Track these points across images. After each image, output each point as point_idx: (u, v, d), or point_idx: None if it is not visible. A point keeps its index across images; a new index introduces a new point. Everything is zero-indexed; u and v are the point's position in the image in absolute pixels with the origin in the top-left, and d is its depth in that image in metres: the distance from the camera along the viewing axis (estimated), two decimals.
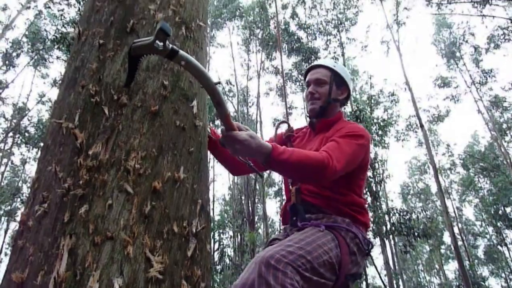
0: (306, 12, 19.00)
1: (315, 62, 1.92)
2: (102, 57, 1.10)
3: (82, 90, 1.06)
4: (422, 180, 32.24)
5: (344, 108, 1.85)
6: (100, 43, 1.13)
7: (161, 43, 0.98)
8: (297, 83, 20.30)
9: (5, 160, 23.71)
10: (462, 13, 17.03)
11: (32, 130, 22.89)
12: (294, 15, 18.64)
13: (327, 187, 1.60)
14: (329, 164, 1.38)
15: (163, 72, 1.11)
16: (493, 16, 15.76)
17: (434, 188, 30.06)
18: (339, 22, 18.68)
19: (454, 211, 28.09)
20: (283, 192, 1.83)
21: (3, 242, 23.71)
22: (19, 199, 27.37)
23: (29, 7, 16.90)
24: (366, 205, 1.71)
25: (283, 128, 2.01)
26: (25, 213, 0.96)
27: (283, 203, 1.79)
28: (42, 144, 1.10)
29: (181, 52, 1.02)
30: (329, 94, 1.77)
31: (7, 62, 21.47)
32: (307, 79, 1.85)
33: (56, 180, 0.93)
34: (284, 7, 19.14)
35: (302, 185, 1.65)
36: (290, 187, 1.70)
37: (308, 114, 1.86)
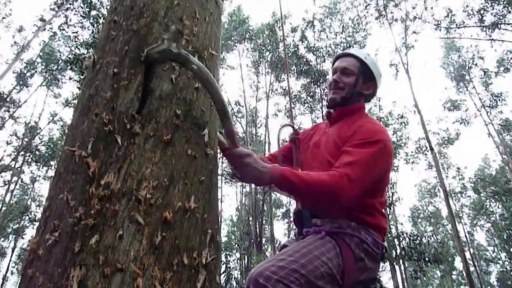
0: (315, 35, 19.27)
1: (346, 50, 1.76)
2: (116, 86, 1.12)
3: (95, 118, 1.07)
4: (432, 203, 31.78)
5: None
6: (114, 72, 1.15)
7: (175, 50, 1.04)
8: (306, 105, 20.38)
9: (15, 178, 23.94)
10: (471, 37, 17.12)
11: (43, 148, 23.18)
12: (303, 38, 18.91)
13: None
14: (344, 187, 1.28)
15: (176, 101, 1.12)
16: (502, 41, 15.81)
17: (444, 212, 29.60)
18: (348, 45, 18.86)
19: (466, 236, 27.51)
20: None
21: (10, 260, 23.70)
22: (27, 217, 27.46)
23: (44, 29, 17.39)
24: (383, 207, 1.56)
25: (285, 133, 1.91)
26: (36, 241, 0.96)
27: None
28: (54, 170, 1.11)
29: (192, 58, 1.10)
30: (354, 85, 1.65)
31: (21, 82, 21.95)
32: (334, 66, 1.73)
33: (67, 209, 0.94)
34: (294, 30, 19.43)
35: None
36: None
37: (327, 104, 1.73)
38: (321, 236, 1.35)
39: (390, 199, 14.43)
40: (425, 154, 20.34)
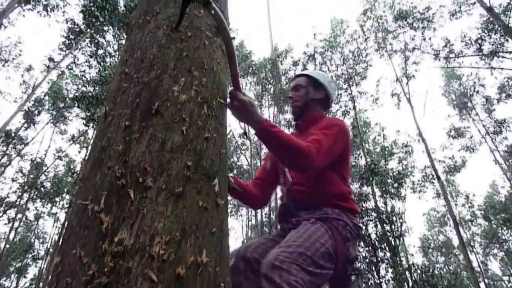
0: (317, 68, 19.61)
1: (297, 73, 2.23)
2: (128, 138, 1.14)
3: (108, 172, 1.09)
4: (442, 232, 31.15)
5: (328, 112, 2.12)
6: (126, 125, 1.18)
7: None
8: None
9: (19, 216, 23.87)
10: (471, 66, 17.35)
11: (48, 185, 23.22)
12: (304, 71, 19.23)
13: (317, 181, 1.77)
14: (310, 155, 1.55)
15: (187, 152, 1.14)
16: (502, 68, 15.99)
17: (456, 241, 28.96)
18: (349, 77, 19.15)
19: (479, 266, 26.76)
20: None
21: None
22: (30, 256, 27.11)
23: (53, 68, 17.87)
24: (352, 195, 1.88)
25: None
26: None
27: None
28: (66, 223, 1.11)
29: (213, 4, 1.38)
30: (306, 94, 2.03)
31: (28, 119, 22.31)
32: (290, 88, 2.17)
33: (80, 266, 0.94)
34: (295, 63, 19.82)
35: (293, 184, 1.82)
36: (283, 187, 1.89)
37: (293, 118, 2.11)
38: (312, 222, 1.60)
39: (399, 229, 14.15)
40: (432, 182, 20.14)
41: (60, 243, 1.09)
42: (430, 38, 18.89)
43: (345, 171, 1.85)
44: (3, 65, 21.80)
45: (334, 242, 1.55)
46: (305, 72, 2.15)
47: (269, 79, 21.10)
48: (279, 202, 2.06)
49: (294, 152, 1.54)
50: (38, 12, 15.76)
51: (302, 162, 1.55)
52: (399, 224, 14.29)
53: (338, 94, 19.68)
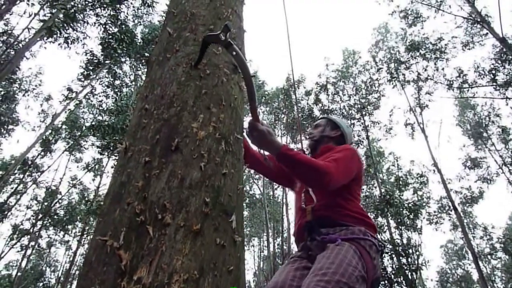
0: (329, 98, 19.74)
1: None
2: (148, 174, 1.16)
3: (127, 208, 1.10)
4: (461, 266, 30.06)
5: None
6: (146, 161, 1.20)
7: (223, 36, 1.41)
8: None
9: (32, 243, 23.91)
10: (485, 96, 17.24)
11: (61, 212, 23.35)
12: (317, 101, 19.37)
13: (338, 198, 1.83)
14: (328, 171, 1.64)
15: (205, 188, 1.15)
16: None
17: (475, 275, 27.87)
18: (362, 107, 19.19)
19: None
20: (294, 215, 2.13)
21: None
22: (41, 284, 26.96)
23: (72, 99, 18.35)
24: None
25: None
26: None
27: (296, 223, 1.98)
28: (84, 259, 1.12)
29: (234, 45, 1.45)
30: (322, 132, 2.25)
31: (45, 148, 22.72)
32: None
33: None
34: (308, 93, 19.99)
35: (318, 202, 1.86)
36: (304, 206, 1.91)
37: (309, 151, 2.27)
38: (338, 243, 1.61)
39: (416, 262, 13.72)
40: (449, 214, 19.64)
41: (78, 279, 1.09)
42: (443, 69, 18.93)
43: (358, 192, 1.96)
44: (23, 95, 22.50)
45: (364, 263, 1.57)
46: (325, 115, 2.41)
47: (281, 108, 21.30)
48: (294, 222, 2.09)
49: (313, 170, 1.63)
50: (59, 44, 16.37)
51: (321, 178, 1.64)
52: (415, 257, 13.87)
53: (351, 124, 19.68)
